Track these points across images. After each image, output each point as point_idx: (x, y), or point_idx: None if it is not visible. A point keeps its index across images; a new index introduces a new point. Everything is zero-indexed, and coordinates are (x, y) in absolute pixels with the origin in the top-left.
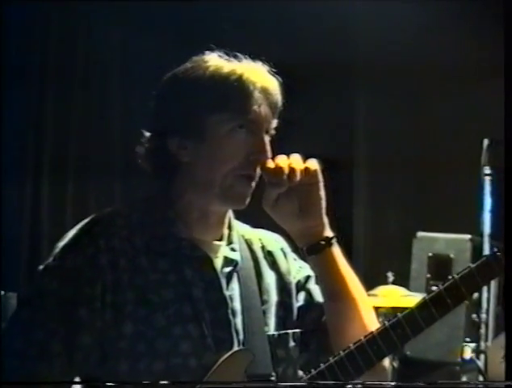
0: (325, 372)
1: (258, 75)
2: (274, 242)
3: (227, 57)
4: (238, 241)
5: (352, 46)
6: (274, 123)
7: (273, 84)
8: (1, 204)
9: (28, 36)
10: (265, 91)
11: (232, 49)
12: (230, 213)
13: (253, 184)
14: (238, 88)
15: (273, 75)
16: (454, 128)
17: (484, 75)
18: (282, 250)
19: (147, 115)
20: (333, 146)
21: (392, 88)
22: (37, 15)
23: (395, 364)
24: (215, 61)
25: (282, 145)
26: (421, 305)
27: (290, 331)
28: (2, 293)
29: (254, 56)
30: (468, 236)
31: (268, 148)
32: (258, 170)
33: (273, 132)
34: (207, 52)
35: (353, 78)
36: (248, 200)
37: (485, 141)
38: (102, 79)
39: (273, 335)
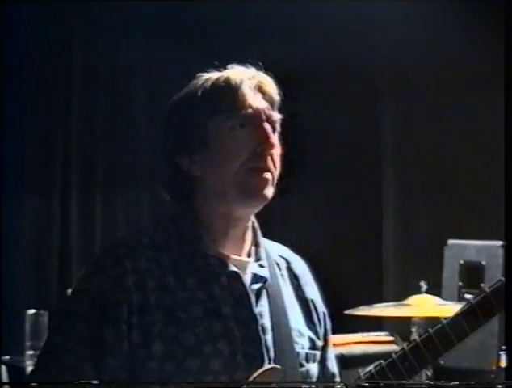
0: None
1: (244, 73)
2: (300, 265)
3: (218, 71)
4: (266, 258)
5: (376, 49)
6: (277, 116)
7: (263, 78)
8: (30, 222)
9: (53, 43)
10: (254, 84)
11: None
12: (257, 230)
13: (269, 176)
14: (225, 88)
15: (262, 71)
16: (483, 133)
17: None
18: (306, 275)
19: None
20: (362, 154)
21: (419, 94)
22: (60, 20)
23: (429, 373)
24: (205, 75)
25: (310, 152)
26: (453, 321)
27: (318, 352)
28: (34, 311)
29: (246, 60)
30: (500, 242)
31: (272, 136)
32: (271, 164)
33: (278, 126)
34: (199, 74)
35: (379, 83)
36: (268, 194)
37: None
38: (129, 91)
39: (302, 353)
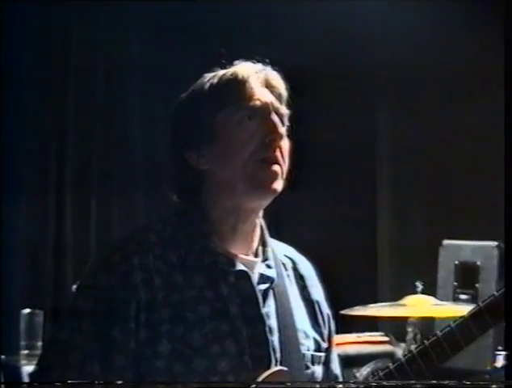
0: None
1: (251, 67)
2: (306, 266)
3: (223, 68)
4: (273, 258)
5: (372, 50)
6: (285, 110)
7: (270, 73)
8: (24, 221)
9: (49, 43)
10: (261, 78)
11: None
12: (264, 230)
13: (278, 169)
14: (233, 80)
15: (268, 66)
16: (479, 133)
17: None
18: (312, 276)
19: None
20: (357, 154)
21: (415, 94)
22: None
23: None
24: (211, 72)
25: (304, 154)
26: (461, 324)
27: (323, 354)
28: (29, 310)
29: (249, 58)
30: (495, 243)
31: (280, 126)
32: (280, 156)
33: (286, 121)
34: (205, 74)
35: (374, 85)
36: (277, 187)
37: None
38: (124, 91)
39: (308, 355)
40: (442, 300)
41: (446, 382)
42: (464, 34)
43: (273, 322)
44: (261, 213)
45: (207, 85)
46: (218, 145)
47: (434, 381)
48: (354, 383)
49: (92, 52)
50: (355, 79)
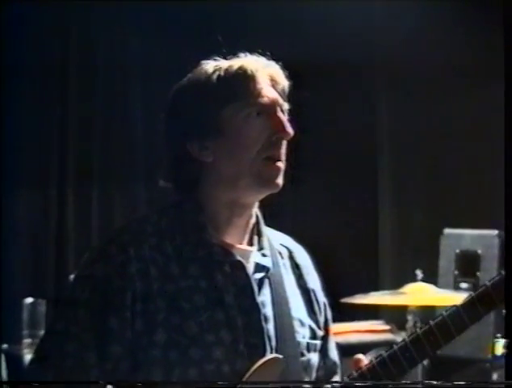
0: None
1: (257, 62)
2: (302, 255)
3: (224, 59)
4: (269, 247)
5: (372, 45)
6: (286, 105)
7: (274, 68)
8: (26, 211)
9: (49, 40)
10: (267, 75)
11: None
12: (260, 219)
13: (281, 164)
14: (242, 75)
15: (272, 61)
16: (479, 122)
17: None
18: (308, 265)
19: (161, 132)
20: (357, 145)
21: (415, 85)
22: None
23: (425, 363)
24: (214, 63)
25: (305, 147)
26: (453, 313)
27: (318, 342)
28: (32, 299)
29: (251, 52)
30: (496, 231)
31: (288, 125)
32: (283, 151)
33: (287, 116)
34: (204, 61)
35: (374, 77)
36: (280, 182)
37: None
38: (125, 85)
39: (303, 342)
40: (443, 288)
41: (436, 383)
42: (467, 26)
43: (268, 310)
44: (256, 204)
45: (214, 77)
46: (223, 139)
47: (434, 382)
48: (340, 383)
49: (92, 50)
50: (355, 71)
